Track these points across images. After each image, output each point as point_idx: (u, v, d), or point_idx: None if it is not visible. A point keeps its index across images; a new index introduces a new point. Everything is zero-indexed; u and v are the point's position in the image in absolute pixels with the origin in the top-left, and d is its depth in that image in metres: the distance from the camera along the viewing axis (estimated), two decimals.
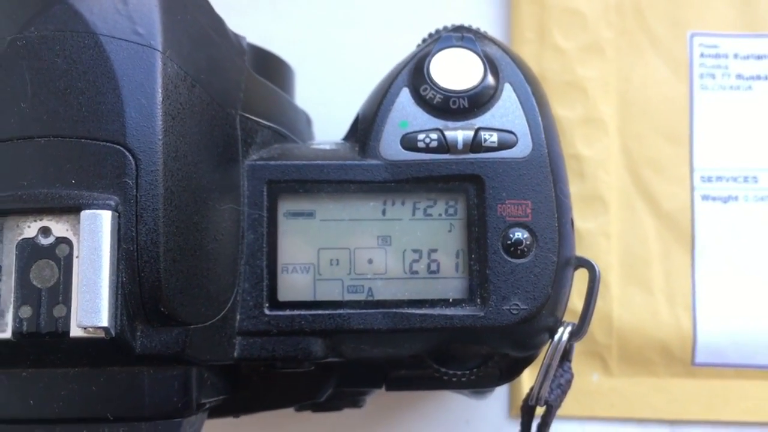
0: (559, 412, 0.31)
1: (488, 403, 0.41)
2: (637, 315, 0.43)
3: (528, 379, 0.40)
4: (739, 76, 0.44)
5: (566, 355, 0.29)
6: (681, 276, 0.43)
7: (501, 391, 0.41)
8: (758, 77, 0.44)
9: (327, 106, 0.38)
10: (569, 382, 0.30)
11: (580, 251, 0.42)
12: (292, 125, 0.32)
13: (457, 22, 0.31)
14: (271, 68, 0.33)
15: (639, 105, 0.44)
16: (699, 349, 0.42)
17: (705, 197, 0.43)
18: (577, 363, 0.35)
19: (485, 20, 0.44)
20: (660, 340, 0.43)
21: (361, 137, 0.29)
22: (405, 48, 0.32)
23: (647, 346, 0.43)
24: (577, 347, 0.40)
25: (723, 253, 0.43)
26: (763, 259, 0.42)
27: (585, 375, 0.43)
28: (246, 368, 0.29)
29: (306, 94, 0.38)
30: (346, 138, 0.31)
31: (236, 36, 0.30)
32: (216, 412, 0.30)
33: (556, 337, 0.28)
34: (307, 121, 0.36)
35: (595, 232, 0.43)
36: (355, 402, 0.33)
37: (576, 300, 0.30)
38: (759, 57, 0.44)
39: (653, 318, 0.43)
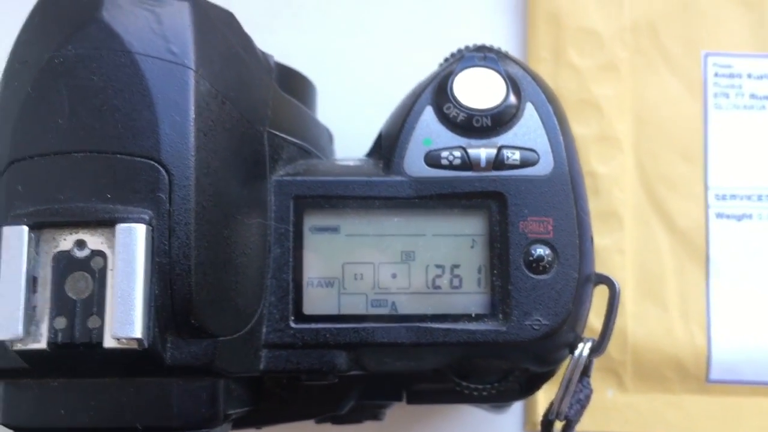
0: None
1: (504, 417, 0.41)
2: (652, 331, 0.43)
3: (544, 393, 0.40)
4: (752, 96, 0.44)
5: (586, 371, 0.30)
6: (695, 293, 0.43)
7: (516, 406, 0.42)
8: None
9: (347, 122, 0.39)
10: (588, 397, 0.30)
11: (595, 267, 0.42)
12: (315, 141, 0.33)
13: (475, 41, 0.32)
14: (295, 85, 0.33)
15: (653, 123, 0.44)
16: (713, 366, 0.43)
17: (719, 215, 0.43)
18: (591, 379, 0.35)
19: (502, 39, 0.45)
20: (674, 356, 0.43)
21: (385, 154, 0.29)
22: (423, 65, 0.33)
23: (662, 363, 0.43)
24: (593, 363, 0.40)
25: (737, 271, 0.43)
26: None
27: (600, 391, 0.43)
28: (269, 380, 0.30)
29: (327, 111, 0.38)
30: (370, 155, 0.32)
31: (264, 54, 0.30)
32: (239, 423, 0.30)
33: (576, 352, 0.28)
34: (329, 137, 0.36)
35: (610, 248, 0.44)
36: (375, 415, 0.33)
37: (592, 316, 0.31)
38: None
39: (668, 334, 0.43)
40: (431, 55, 0.33)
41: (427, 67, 0.33)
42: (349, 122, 0.39)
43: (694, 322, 0.43)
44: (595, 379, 0.43)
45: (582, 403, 0.30)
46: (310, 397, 0.31)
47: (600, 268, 0.43)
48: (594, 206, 0.45)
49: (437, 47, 0.33)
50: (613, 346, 0.43)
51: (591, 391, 0.30)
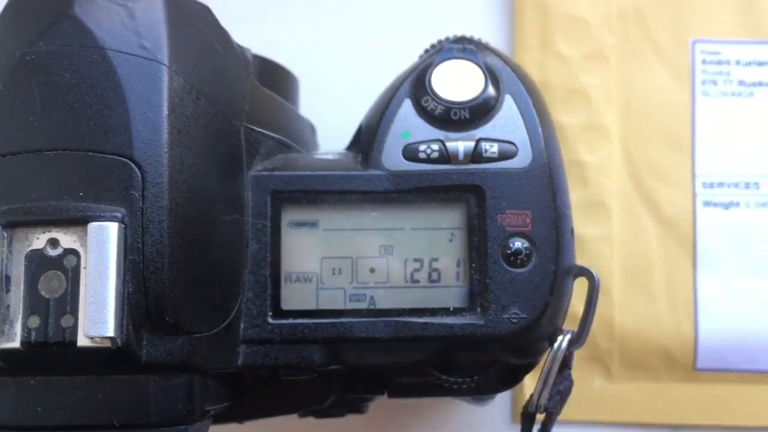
0: (561, 417, 0.31)
1: (491, 408, 0.41)
2: (639, 320, 0.43)
3: (530, 384, 0.40)
4: (741, 83, 0.44)
5: (566, 363, 0.30)
6: (683, 281, 0.43)
7: (504, 397, 0.42)
8: (760, 84, 0.44)
9: (331, 114, 0.39)
10: (569, 389, 0.30)
11: (582, 256, 0.42)
12: (296, 135, 0.33)
13: (461, 31, 0.32)
14: (275, 78, 0.33)
15: (641, 111, 0.44)
16: (701, 354, 0.43)
17: (707, 203, 0.43)
18: (578, 368, 0.35)
19: (488, 28, 0.44)
20: (662, 345, 0.43)
21: (363, 147, 0.29)
22: (409, 56, 0.33)
23: (649, 351, 0.43)
24: (579, 352, 0.40)
25: (725, 259, 0.43)
26: (765, 265, 0.43)
27: (587, 380, 0.43)
28: (250, 375, 0.30)
29: (310, 103, 0.38)
30: (349, 148, 0.31)
31: (241, 48, 0.30)
32: (220, 418, 0.30)
33: (555, 345, 0.28)
34: (312, 130, 0.36)
35: (597, 237, 0.44)
36: (358, 408, 0.34)
37: (578, 306, 0.30)
38: (761, 63, 0.44)
39: (655, 323, 0.43)
40: (417, 45, 0.33)
41: (414, 57, 0.32)
42: (333, 114, 0.39)
43: (682, 310, 0.43)
44: (582, 369, 0.43)
45: (562, 395, 0.30)
46: (292, 392, 0.31)
47: (587, 257, 0.43)
48: (582, 196, 0.45)
49: (423, 37, 0.33)
50: (600, 335, 0.43)
51: (572, 382, 0.30)
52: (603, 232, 0.44)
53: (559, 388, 0.30)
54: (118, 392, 0.25)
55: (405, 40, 0.41)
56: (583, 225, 0.44)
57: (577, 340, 0.29)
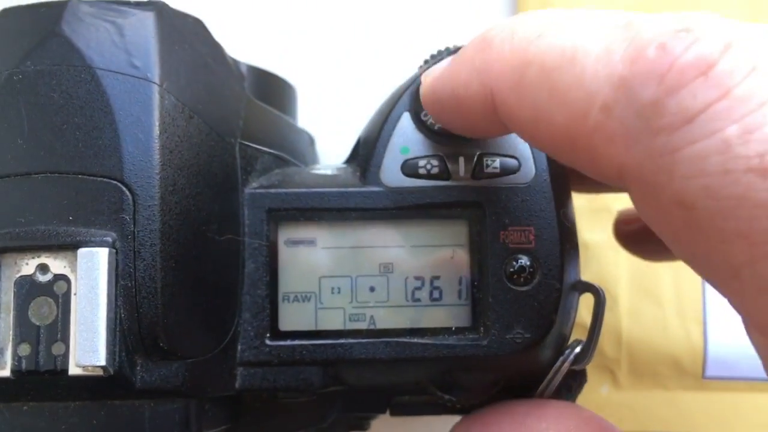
0: None
1: None
2: (647, 328, 0.42)
3: None
4: None
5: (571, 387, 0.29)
6: (691, 289, 0.43)
7: None
8: None
9: (331, 124, 0.38)
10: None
11: (588, 263, 0.42)
12: (293, 148, 0.32)
13: (464, 34, 0.31)
14: (272, 90, 0.32)
15: None
16: (709, 362, 0.42)
17: None
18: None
19: None
20: (670, 353, 0.42)
21: (362, 163, 0.29)
22: (411, 64, 0.32)
23: (657, 360, 0.42)
24: None
25: None
26: None
27: (594, 388, 0.42)
28: (248, 396, 0.29)
29: (309, 113, 0.37)
30: (348, 161, 0.31)
31: (235, 62, 0.29)
32: None
33: (557, 364, 0.28)
34: (310, 141, 0.35)
35: (603, 244, 0.43)
36: (360, 426, 0.33)
37: (587, 317, 0.30)
38: None
39: (663, 331, 0.42)
40: (419, 53, 0.32)
41: (415, 65, 0.32)
42: (333, 124, 0.38)
43: (690, 318, 0.42)
44: (589, 377, 0.43)
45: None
46: (292, 412, 0.30)
47: (593, 264, 0.42)
48: (587, 202, 0.44)
49: (425, 45, 0.32)
50: (607, 344, 0.43)
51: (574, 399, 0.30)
52: (609, 238, 0.43)
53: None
54: (113, 418, 0.24)
55: (406, 46, 0.41)
56: (589, 231, 0.43)
57: (584, 357, 0.28)
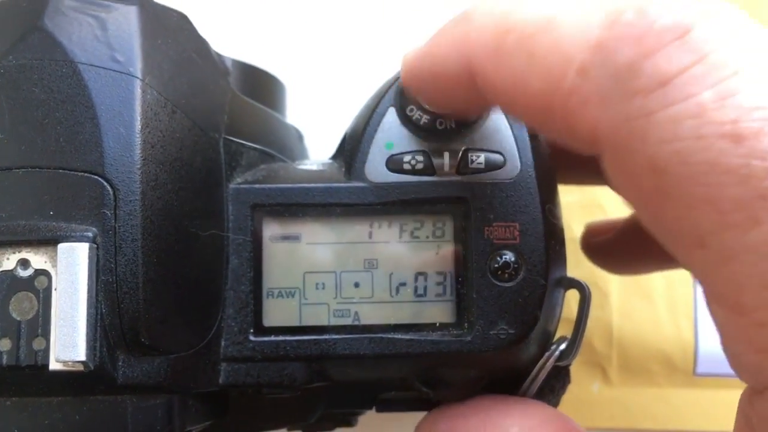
0: None
1: None
2: (638, 324, 0.42)
3: None
4: None
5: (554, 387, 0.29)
6: (682, 285, 0.42)
7: None
8: None
9: (320, 120, 0.38)
10: (555, 404, 0.30)
11: (580, 260, 0.42)
12: (280, 144, 0.32)
13: None
14: (258, 85, 0.32)
15: None
16: (700, 359, 0.42)
17: None
18: (576, 373, 0.34)
19: None
20: (661, 349, 0.42)
21: (347, 158, 0.29)
22: (399, 60, 0.32)
23: (648, 356, 0.42)
24: (577, 357, 0.39)
25: None
26: None
27: (585, 385, 0.42)
28: (233, 392, 0.29)
29: (298, 108, 0.37)
30: (334, 157, 0.31)
31: (220, 56, 0.29)
32: None
33: (542, 360, 0.28)
34: (299, 137, 0.35)
35: None
36: (346, 421, 0.33)
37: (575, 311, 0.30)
38: None
39: (654, 327, 0.42)
40: (408, 47, 0.32)
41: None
42: (322, 120, 0.38)
43: (681, 314, 0.42)
44: (580, 374, 0.43)
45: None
46: (277, 408, 0.30)
47: (585, 261, 0.42)
48: (578, 198, 0.44)
49: (414, 39, 0.32)
50: (598, 340, 0.42)
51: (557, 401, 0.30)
52: None
53: (548, 399, 0.29)
54: (95, 413, 0.24)
55: (396, 42, 0.41)
56: (580, 227, 0.43)
57: (569, 354, 0.28)
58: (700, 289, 0.42)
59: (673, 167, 0.18)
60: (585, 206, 0.44)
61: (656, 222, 0.20)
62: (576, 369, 0.41)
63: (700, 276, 0.20)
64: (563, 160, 0.29)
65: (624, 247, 0.37)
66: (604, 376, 0.43)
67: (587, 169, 0.35)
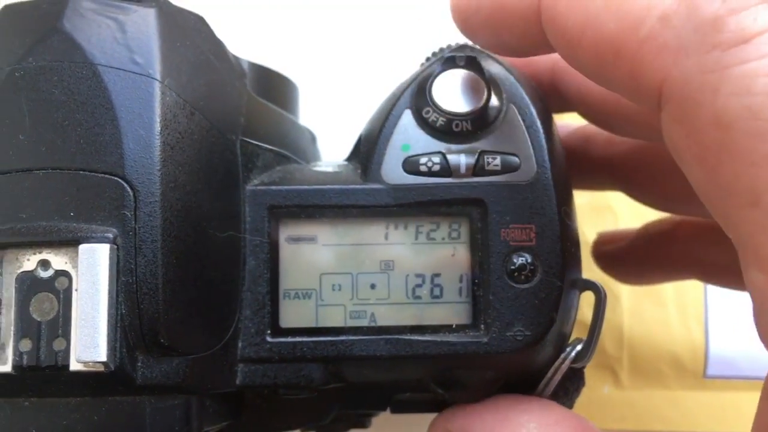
0: None
1: None
2: (649, 327, 0.42)
3: None
4: None
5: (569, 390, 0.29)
6: (692, 287, 0.43)
7: None
8: None
9: (333, 122, 0.38)
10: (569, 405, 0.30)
11: (591, 262, 0.42)
12: (295, 146, 0.32)
13: (464, 39, 0.31)
14: (273, 87, 0.32)
15: None
16: (711, 361, 0.42)
17: None
18: (587, 375, 0.34)
19: None
20: (671, 352, 0.42)
21: (363, 160, 0.29)
22: (414, 62, 0.32)
23: (658, 358, 0.42)
24: None
25: None
26: None
27: (596, 387, 0.42)
28: (249, 393, 0.29)
29: (311, 111, 0.37)
30: (349, 159, 0.31)
31: (236, 58, 0.29)
32: None
33: (561, 356, 0.28)
34: (312, 139, 0.35)
35: None
36: (360, 423, 0.33)
37: (589, 313, 0.30)
38: None
39: (664, 330, 0.42)
40: (423, 50, 0.32)
41: (417, 62, 0.32)
42: (335, 121, 0.38)
43: (692, 317, 0.42)
44: (591, 376, 0.42)
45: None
46: (293, 409, 0.30)
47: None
48: (589, 200, 0.44)
49: (429, 42, 0.32)
50: (608, 342, 0.43)
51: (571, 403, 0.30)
52: None
53: (563, 401, 0.29)
54: (114, 414, 0.24)
55: (409, 44, 0.41)
56: (590, 229, 0.43)
57: (584, 355, 0.28)
58: (710, 293, 0.42)
59: (740, 122, 0.19)
60: (595, 209, 0.44)
61: (710, 180, 0.20)
62: (586, 371, 0.41)
63: (746, 237, 0.20)
64: (575, 163, 0.29)
65: (635, 257, 0.38)
66: (614, 379, 0.43)
67: (599, 173, 0.35)
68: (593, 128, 0.33)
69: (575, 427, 0.26)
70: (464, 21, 0.27)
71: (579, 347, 0.28)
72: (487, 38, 0.27)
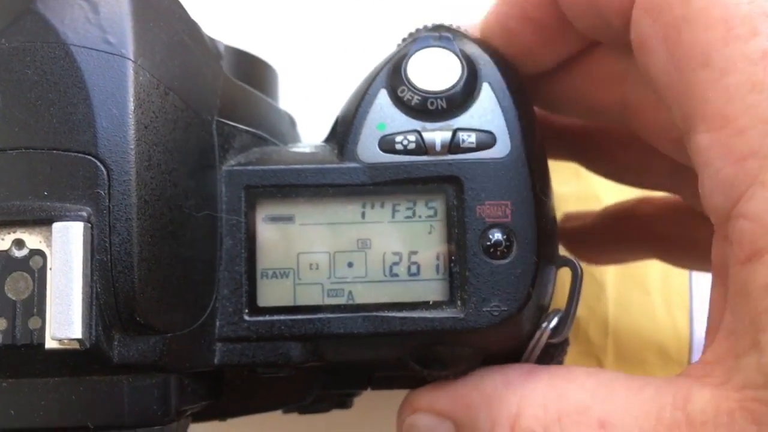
0: None
1: None
2: (633, 315, 0.42)
3: None
4: None
5: (551, 355, 0.29)
6: (678, 276, 0.43)
7: None
8: None
9: (312, 106, 0.38)
10: None
11: None
12: (272, 128, 0.32)
13: (440, 19, 0.31)
14: (251, 71, 0.33)
15: None
16: (695, 350, 0.42)
17: None
18: (572, 363, 0.34)
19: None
20: (656, 340, 0.42)
21: (339, 140, 0.29)
22: (393, 45, 0.32)
23: (643, 347, 0.42)
24: (573, 347, 0.39)
25: None
26: None
27: None
28: (229, 373, 0.29)
29: (290, 95, 0.37)
30: (327, 140, 0.31)
31: (212, 40, 0.29)
32: (202, 416, 0.30)
33: (535, 338, 0.28)
34: (291, 122, 0.35)
35: None
36: (342, 403, 0.33)
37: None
38: None
39: (649, 318, 0.42)
40: (401, 33, 0.32)
41: (395, 43, 0.32)
42: (313, 105, 0.38)
43: (677, 305, 0.42)
44: (575, 364, 0.43)
45: None
46: (273, 388, 0.30)
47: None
48: (575, 189, 0.44)
49: (407, 25, 0.32)
50: (593, 331, 0.43)
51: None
52: None
53: None
54: (92, 393, 0.25)
55: (388, 28, 0.41)
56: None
57: (562, 329, 0.28)
58: (695, 281, 0.42)
59: None
60: (581, 198, 0.44)
61: (669, 56, 0.24)
62: (571, 359, 0.41)
63: (695, 102, 0.23)
64: (552, 134, 0.30)
65: (596, 236, 0.39)
66: (599, 367, 0.43)
67: (556, 143, 0.36)
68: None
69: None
70: None
71: (555, 321, 0.28)
72: None
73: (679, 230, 0.36)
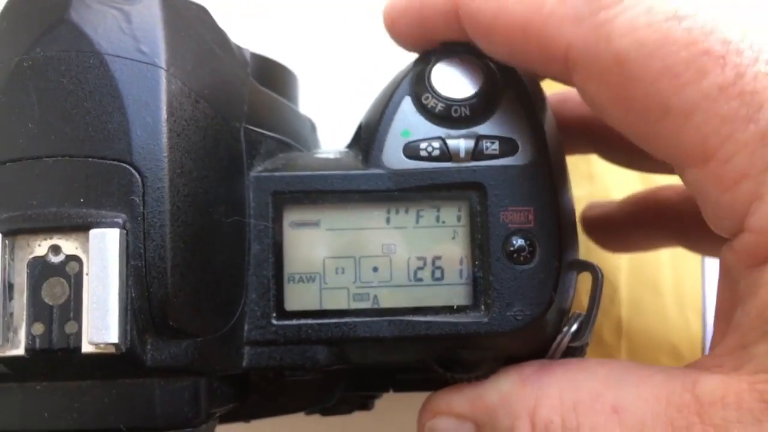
0: None
1: None
2: (646, 317, 0.43)
3: None
4: None
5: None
6: (691, 277, 0.43)
7: None
8: None
9: (332, 111, 0.38)
10: None
11: (589, 253, 0.42)
12: (296, 134, 0.32)
13: None
14: (274, 77, 0.33)
15: None
16: (708, 350, 0.42)
17: None
18: None
19: None
20: (669, 342, 0.43)
21: (364, 146, 0.29)
22: (412, 53, 0.32)
23: (656, 348, 0.43)
24: (587, 348, 0.40)
25: None
26: None
27: None
28: (255, 375, 0.30)
29: (310, 100, 0.38)
30: (350, 146, 0.31)
31: (239, 48, 0.30)
32: (227, 417, 0.30)
33: (556, 341, 0.28)
34: (312, 127, 0.36)
35: None
36: (364, 404, 0.34)
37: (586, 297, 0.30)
38: None
39: (662, 320, 0.43)
40: None
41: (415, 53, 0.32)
42: (334, 111, 0.38)
43: (690, 307, 0.43)
44: None
45: None
46: (298, 390, 0.31)
47: (594, 252, 0.43)
48: (588, 191, 0.44)
49: None
50: (606, 332, 0.43)
51: None
52: None
53: None
54: (124, 396, 0.25)
55: None
56: None
57: (582, 334, 0.29)
58: (708, 282, 0.43)
59: (633, 53, 0.23)
60: (594, 199, 0.44)
61: (627, 112, 0.25)
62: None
63: (671, 146, 0.24)
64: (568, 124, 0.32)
65: (618, 223, 0.40)
66: None
67: (574, 133, 0.37)
68: (569, 90, 0.35)
69: None
70: (392, 25, 0.30)
71: (576, 325, 0.28)
72: (412, 36, 0.30)
73: (701, 216, 0.36)
